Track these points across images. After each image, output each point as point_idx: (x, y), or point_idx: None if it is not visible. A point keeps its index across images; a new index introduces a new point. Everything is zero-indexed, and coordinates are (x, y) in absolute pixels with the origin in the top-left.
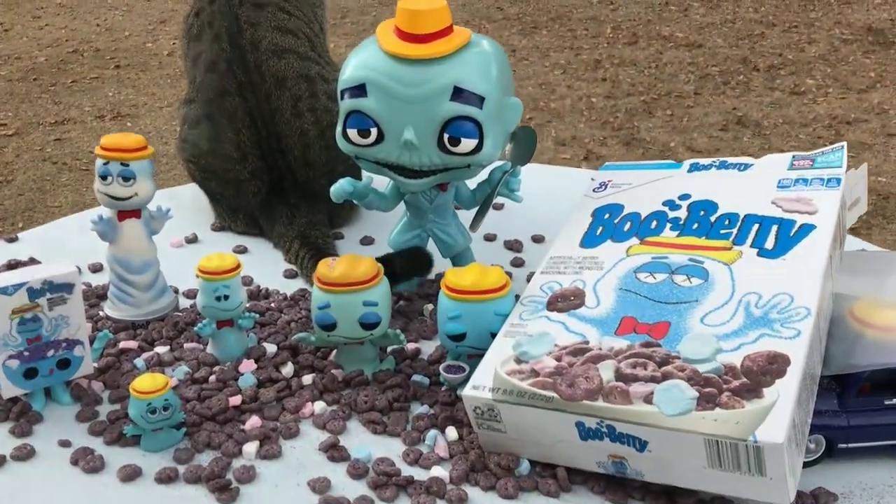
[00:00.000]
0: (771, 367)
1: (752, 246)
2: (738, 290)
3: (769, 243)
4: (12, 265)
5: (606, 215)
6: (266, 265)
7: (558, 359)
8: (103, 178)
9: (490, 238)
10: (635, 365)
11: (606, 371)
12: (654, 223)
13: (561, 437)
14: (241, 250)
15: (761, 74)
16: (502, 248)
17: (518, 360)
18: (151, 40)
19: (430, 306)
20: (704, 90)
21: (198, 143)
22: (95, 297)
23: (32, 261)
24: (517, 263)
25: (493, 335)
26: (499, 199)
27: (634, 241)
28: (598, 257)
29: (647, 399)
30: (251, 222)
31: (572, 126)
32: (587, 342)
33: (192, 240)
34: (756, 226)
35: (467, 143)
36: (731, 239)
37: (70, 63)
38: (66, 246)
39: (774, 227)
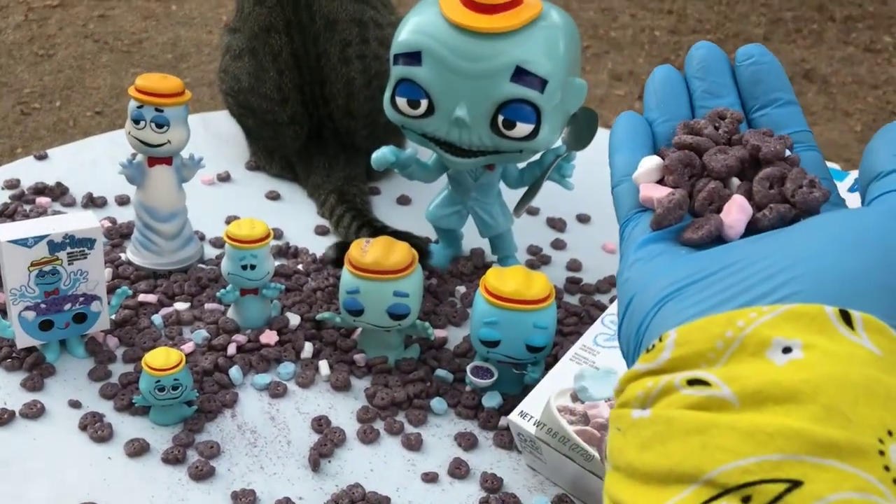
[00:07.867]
0: None
1: None
2: None
3: None
4: (39, 189)
5: None
6: (298, 216)
7: None
8: (136, 122)
9: (532, 212)
10: None
11: None
12: None
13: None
14: (274, 196)
15: (836, 25)
16: (544, 225)
17: (575, 397)
18: None
19: (461, 288)
20: (774, 36)
21: (238, 76)
22: (119, 236)
23: (59, 186)
24: (558, 245)
25: (529, 347)
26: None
27: None
28: None
29: None
30: (287, 166)
31: (630, 60)
32: None
33: (225, 178)
34: None
35: (522, 128)
36: None
37: None
38: (95, 170)
39: None
